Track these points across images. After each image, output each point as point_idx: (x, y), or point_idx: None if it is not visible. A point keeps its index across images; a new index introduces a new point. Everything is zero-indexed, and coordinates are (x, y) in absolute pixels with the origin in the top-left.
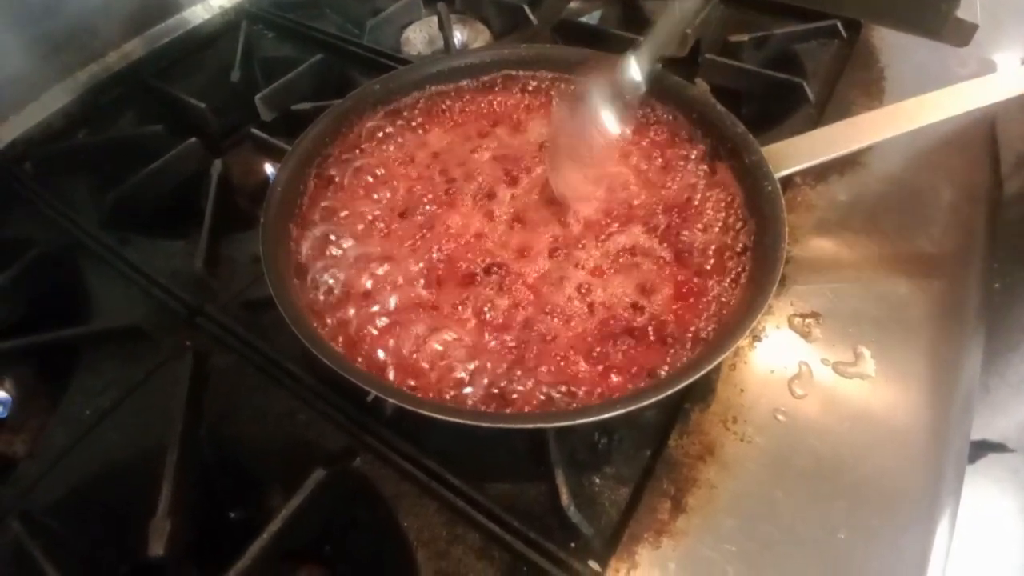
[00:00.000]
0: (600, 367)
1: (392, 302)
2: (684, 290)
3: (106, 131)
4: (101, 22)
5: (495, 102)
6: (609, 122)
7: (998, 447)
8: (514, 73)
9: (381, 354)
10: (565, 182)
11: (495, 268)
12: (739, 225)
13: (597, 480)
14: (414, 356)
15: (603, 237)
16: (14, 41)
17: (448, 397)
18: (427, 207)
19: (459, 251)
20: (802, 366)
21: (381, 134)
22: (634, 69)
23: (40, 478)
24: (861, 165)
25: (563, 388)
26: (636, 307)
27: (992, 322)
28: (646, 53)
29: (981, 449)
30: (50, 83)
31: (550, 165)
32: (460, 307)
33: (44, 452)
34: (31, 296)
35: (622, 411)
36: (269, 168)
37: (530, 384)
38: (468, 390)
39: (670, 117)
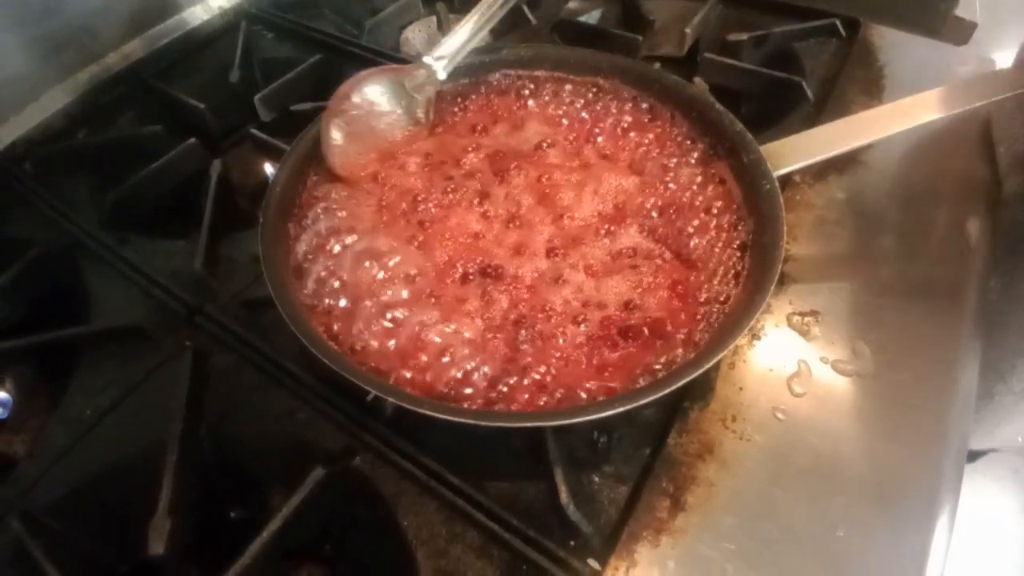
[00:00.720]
0: (598, 366)
1: (390, 301)
2: (682, 289)
3: (106, 131)
4: (101, 23)
5: (494, 101)
6: (407, 113)
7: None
8: (513, 72)
9: (378, 352)
10: (343, 152)
11: (492, 269)
12: (738, 224)
13: (596, 479)
14: (412, 354)
15: (601, 236)
16: (14, 41)
17: (446, 395)
18: (425, 207)
19: (457, 251)
20: (801, 364)
21: None
22: (436, 64)
23: (40, 478)
24: (860, 163)
25: (561, 389)
26: (633, 306)
27: (995, 328)
28: (448, 48)
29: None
30: (50, 83)
31: (327, 131)
32: (458, 306)
33: (44, 452)
34: (31, 296)
35: (621, 409)
36: (268, 168)
37: (527, 383)
38: (468, 390)
39: (669, 116)
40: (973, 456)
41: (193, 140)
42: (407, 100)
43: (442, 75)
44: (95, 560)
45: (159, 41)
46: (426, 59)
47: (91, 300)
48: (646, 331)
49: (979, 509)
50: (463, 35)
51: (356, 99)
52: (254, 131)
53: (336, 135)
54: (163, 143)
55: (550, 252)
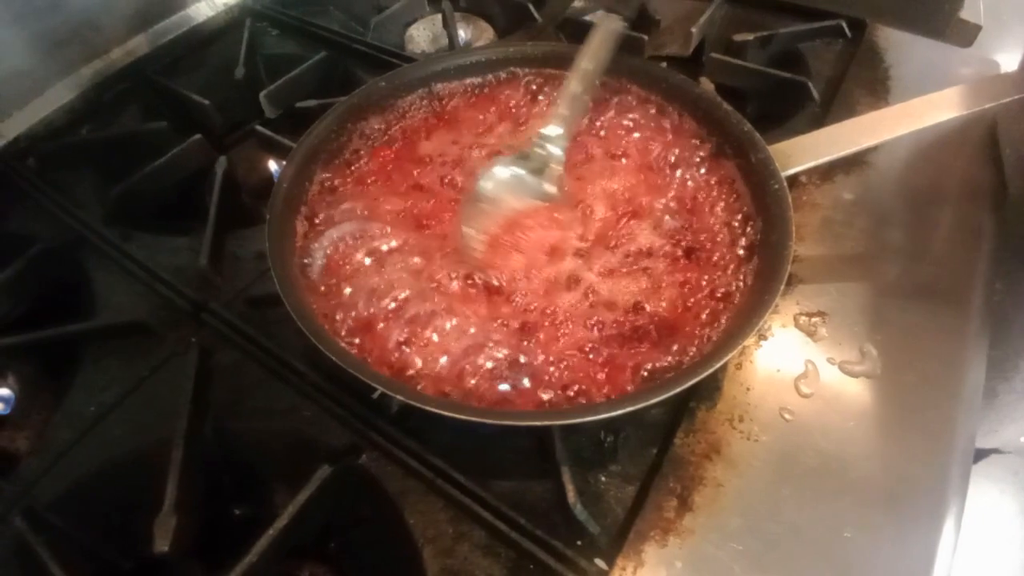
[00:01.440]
0: (606, 366)
1: (397, 297)
2: (690, 289)
3: (110, 127)
4: (105, 18)
5: (499, 100)
6: (536, 193)
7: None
8: (519, 71)
9: (387, 349)
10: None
11: (505, 263)
12: (746, 224)
13: (603, 478)
14: (418, 351)
15: (611, 235)
16: (18, 36)
17: (451, 392)
18: (430, 205)
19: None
20: (808, 365)
21: (386, 132)
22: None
23: (43, 474)
24: (866, 164)
25: (569, 388)
26: (642, 307)
27: (999, 327)
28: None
29: (984, 452)
30: (54, 79)
31: (463, 236)
32: (467, 304)
33: (48, 448)
34: (34, 292)
35: (629, 409)
36: (273, 165)
37: (535, 382)
38: (472, 381)
39: (676, 115)
40: (975, 457)
41: (198, 136)
42: (533, 181)
43: (560, 151)
44: (99, 557)
45: (163, 37)
46: (542, 133)
47: (95, 296)
48: (654, 331)
49: (979, 512)
50: (571, 97)
51: (483, 200)
52: (259, 128)
53: (471, 235)
54: (167, 139)
55: (560, 252)
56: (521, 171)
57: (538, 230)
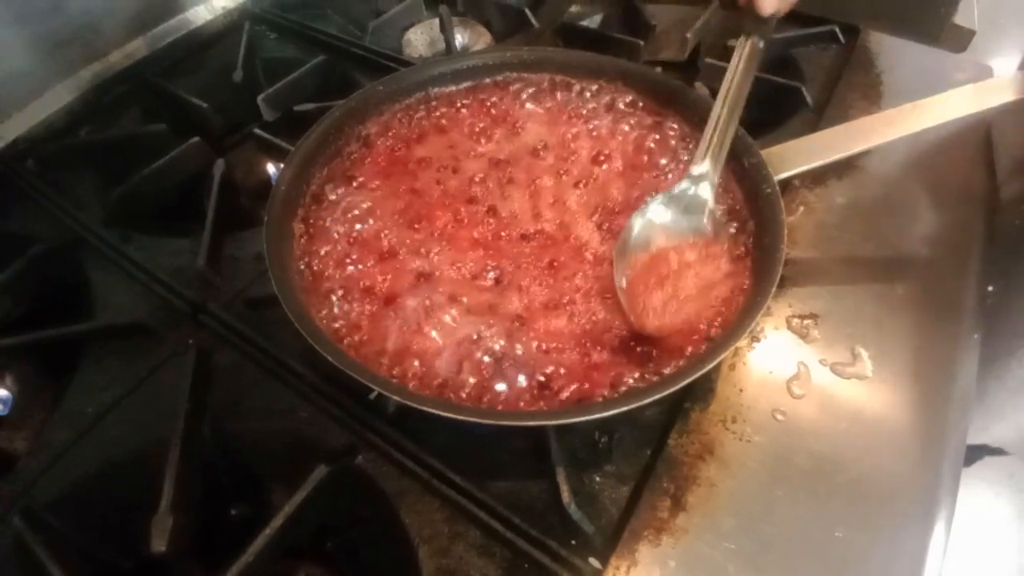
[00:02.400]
0: (599, 366)
1: (395, 297)
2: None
3: (109, 129)
4: (105, 21)
5: (496, 104)
6: (693, 231)
7: (995, 451)
8: (516, 75)
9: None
10: (651, 309)
11: (496, 268)
12: (738, 227)
13: (598, 478)
14: (417, 351)
15: (604, 238)
16: (18, 38)
17: (446, 392)
18: (427, 208)
19: (459, 254)
20: (800, 367)
21: (384, 135)
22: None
23: (42, 474)
24: (859, 169)
25: (563, 390)
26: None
27: (991, 326)
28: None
29: (977, 453)
30: (53, 81)
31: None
32: (465, 304)
33: (46, 448)
34: (34, 293)
35: (623, 409)
36: (271, 168)
37: (528, 383)
38: (471, 379)
39: (671, 119)
40: (968, 460)
41: (196, 139)
42: (688, 220)
43: (709, 187)
44: (97, 557)
45: (162, 40)
46: (691, 173)
47: (94, 297)
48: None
49: (975, 514)
50: (717, 126)
51: (637, 248)
52: (257, 131)
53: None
54: (166, 141)
55: (553, 258)
56: (671, 213)
57: (697, 269)
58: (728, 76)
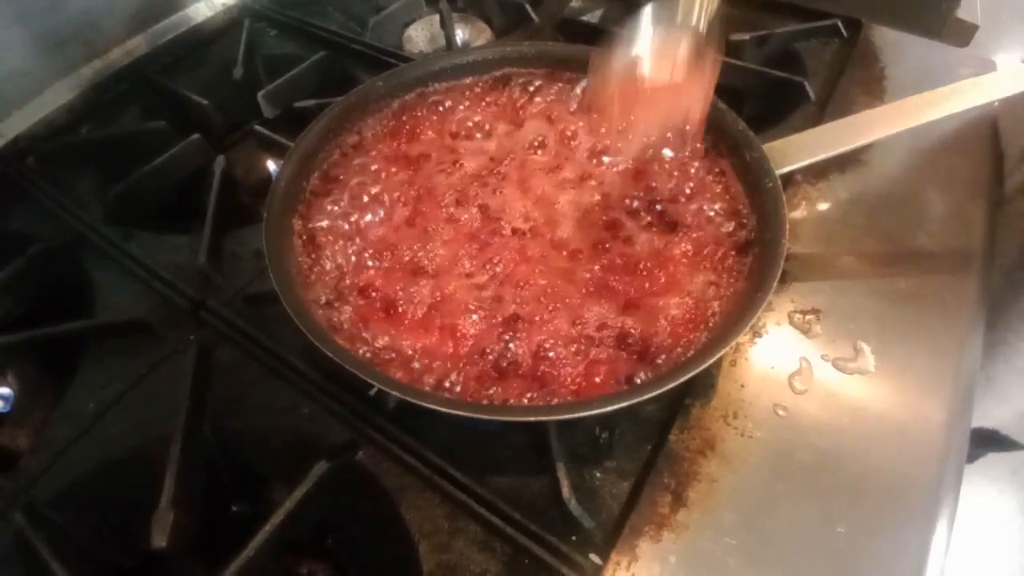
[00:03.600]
0: (601, 363)
1: (396, 293)
2: (685, 285)
3: (109, 127)
4: (105, 18)
5: (496, 100)
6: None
7: (996, 443)
8: (516, 71)
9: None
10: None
11: (494, 264)
12: (740, 221)
13: (598, 474)
14: (415, 346)
15: (604, 233)
16: (18, 36)
17: (451, 386)
18: (427, 203)
19: (458, 250)
20: (802, 362)
21: (383, 130)
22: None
23: (43, 471)
24: (862, 163)
25: (563, 386)
26: (634, 303)
27: (998, 310)
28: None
29: (980, 450)
30: (53, 79)
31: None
32: (463, 300)
33: (47, 445)
34: (34, 291)
35: (624, 404)
36: (271, 164)
37: (526, 381)
38: (473, 372)
39: None
40: (971, 457)
41: (196, 136)
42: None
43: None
44: (98, 554)
45: (162, 37)
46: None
47: (95, 295)
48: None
49: (978, 511)
50: None
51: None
52: (258, 127)
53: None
54: (166, 139)
55: (553, 249)
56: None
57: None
58: None
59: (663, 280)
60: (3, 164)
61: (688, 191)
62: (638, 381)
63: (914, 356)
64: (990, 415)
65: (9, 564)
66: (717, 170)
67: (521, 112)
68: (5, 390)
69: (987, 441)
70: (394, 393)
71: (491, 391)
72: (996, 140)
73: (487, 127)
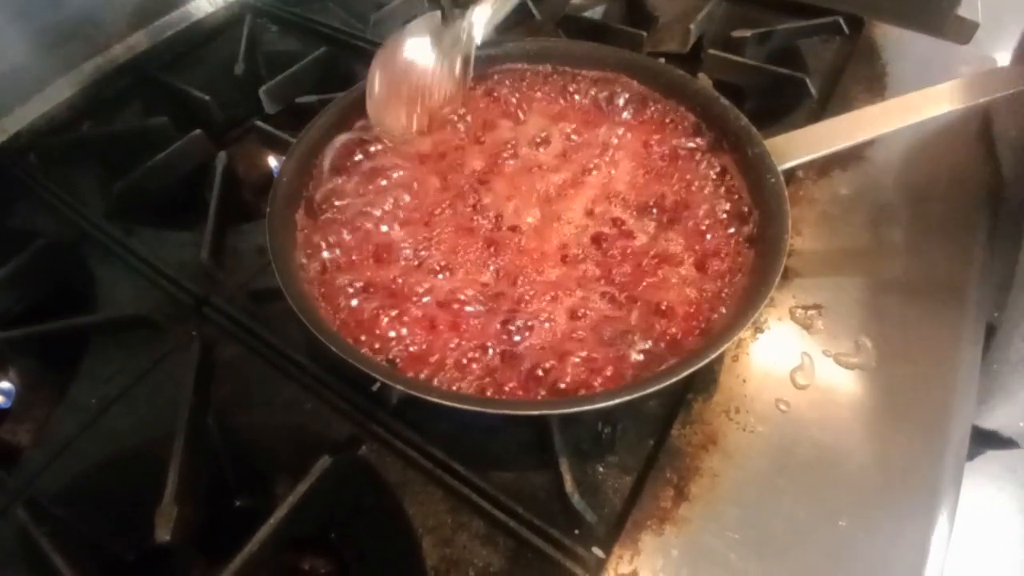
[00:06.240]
0: (603, 359)
1: (396, 289)
2: (688, 280)
3: (111, 123)
4: (106, 14)
5: (496, 95)
6: (452, 66)
7: (995, 441)
8: (518, 67)
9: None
10: (384, 105)
11: (498, 261)
12: (742, 217)
13: (601, 468)
14: (421, 340)
15: (606, 230)
16: (19, 32)
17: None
18: (427, 199)
19: (461, 246)
20: (804, 357)
21: None
22: (475, 24)
23: (46, 466)
24: (863, 159)
25: (566, 379)
26: (636, 299)
27: (1000, 304)
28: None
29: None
30: (55, 75)
31: (372, 85)
32: (462, 297)
33: (50, 440)
34: (37, 287)
35: (626, 398)
36: (273, 161)
37: (528, 376)
38: (475, 367)
39: (673, 110)
40: (971, 455)
41: (198, 132)
42: (444, 58)
43: (478, 37)
44: (101, 548)
45: (164, 33)
46: (468, 17)
47: (97, 291)
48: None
49: (977, 508)
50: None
51: (399, 54)
52: (259, 123)
53: (378, 88)
54: (168, 135)
55: (560, 245)
56: (437, 40)
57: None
58: None
59: (665, 276)
60: (5, 160)
61: (690, 187)
62: (640, 376)
63: (915, 351)
64: (990, 414)
65: (12, 559)
66: (719, 166)
67: (524, 108)
68: (7, 385)
69: (986, 439)
70: (398, 387)
71: (493, 386)
72: (992, 137)
73: (489, 124)
